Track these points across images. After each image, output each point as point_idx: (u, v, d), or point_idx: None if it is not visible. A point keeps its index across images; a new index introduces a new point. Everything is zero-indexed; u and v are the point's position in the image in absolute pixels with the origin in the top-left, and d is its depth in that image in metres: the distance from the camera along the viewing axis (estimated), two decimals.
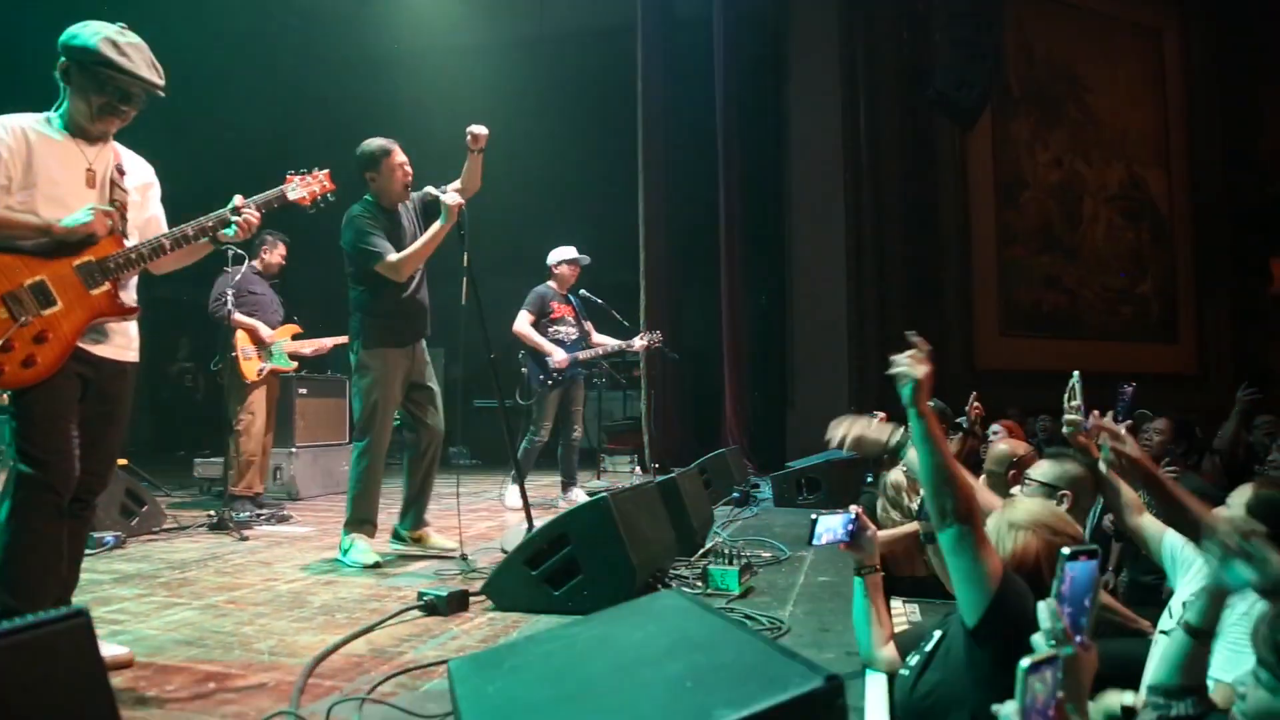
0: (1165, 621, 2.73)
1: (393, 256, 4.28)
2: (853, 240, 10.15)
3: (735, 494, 6.59)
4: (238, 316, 5.90)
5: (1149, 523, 3.01)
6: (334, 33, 11.04)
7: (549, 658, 1.70)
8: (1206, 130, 13.79)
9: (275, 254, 6.39)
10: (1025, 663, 1.24)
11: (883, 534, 3.39)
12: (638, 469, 8.96)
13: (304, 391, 7.23)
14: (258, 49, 10.43)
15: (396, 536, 4.70)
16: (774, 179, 10.45)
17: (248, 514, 5.68)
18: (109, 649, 2.62)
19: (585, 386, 6.77)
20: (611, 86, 10.25)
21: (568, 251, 6.62)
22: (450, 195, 4.24)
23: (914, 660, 2.24)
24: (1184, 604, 2.55)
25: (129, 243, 2.70)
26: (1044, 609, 1.50)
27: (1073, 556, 1.53)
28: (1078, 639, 1.49)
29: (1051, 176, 12.72)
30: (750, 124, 10.18)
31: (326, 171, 3.21)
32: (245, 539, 5.05)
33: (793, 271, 10.36)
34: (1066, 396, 3.71)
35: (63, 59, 2.61)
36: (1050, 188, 12.70)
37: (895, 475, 4.26)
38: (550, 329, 6.43)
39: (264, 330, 6.13)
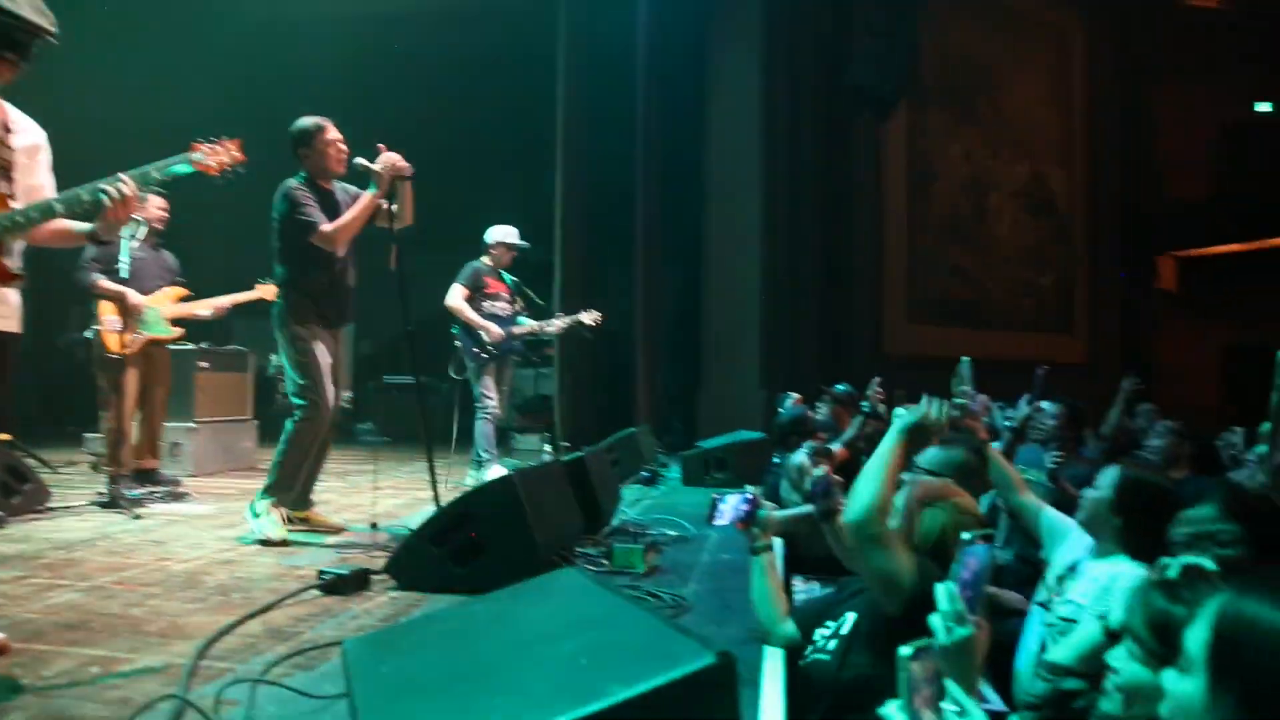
0: (1041, 593, 2.86)
1: (327, 226, 4.20)
2: (768, 225, 10.29)
3: (644, 473, 6.65)
4: (102, 283, 5.44)
5: (1030, 500, 3.15)
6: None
7: (444, 637, 1.69)
8: (1106, 132, 14.38)
9: (151, 209, 5.74)
10: (907, 650, 1.28)
11: (785, 513, 3.49)
12: (548, 447, 8.94)
13: (205, 365, 6.98)
14: (148, 14, 9.93)
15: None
16: (692, 162, 10.49)
17: (141, 491, 5.47)
18: None
19: (511, 365, 6.72)
20: (531, 62, 10.13)
21: (508, 233, 6.58)
22: (382, 160, 4.16)
23: (831, 644, 2.28)
24: (1065, 590, 2.68)
25: (14, 205, 2.54)
26: (943, 592, 1.55)
27: (971, 540, 1.58)
28: (973, 618, 1.54)
29: (961, 170, 13.09)
30: (670, 106, 10.17)
31: (237, 141, 3.07)
32: (139, 518, 4.86)
33: (708, 254, 10.44)
34: (955, 380, 3.86)
35: None
36: (960, 180, 13.08)
37: (799, 457, 4.34)
38: (484, 304, 6.36)
39: (132, 296, 5.53)
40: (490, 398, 6.31)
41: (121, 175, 2.61)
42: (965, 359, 3.52)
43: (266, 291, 5.38)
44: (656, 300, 9.99)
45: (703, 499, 5.92)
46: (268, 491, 4.28)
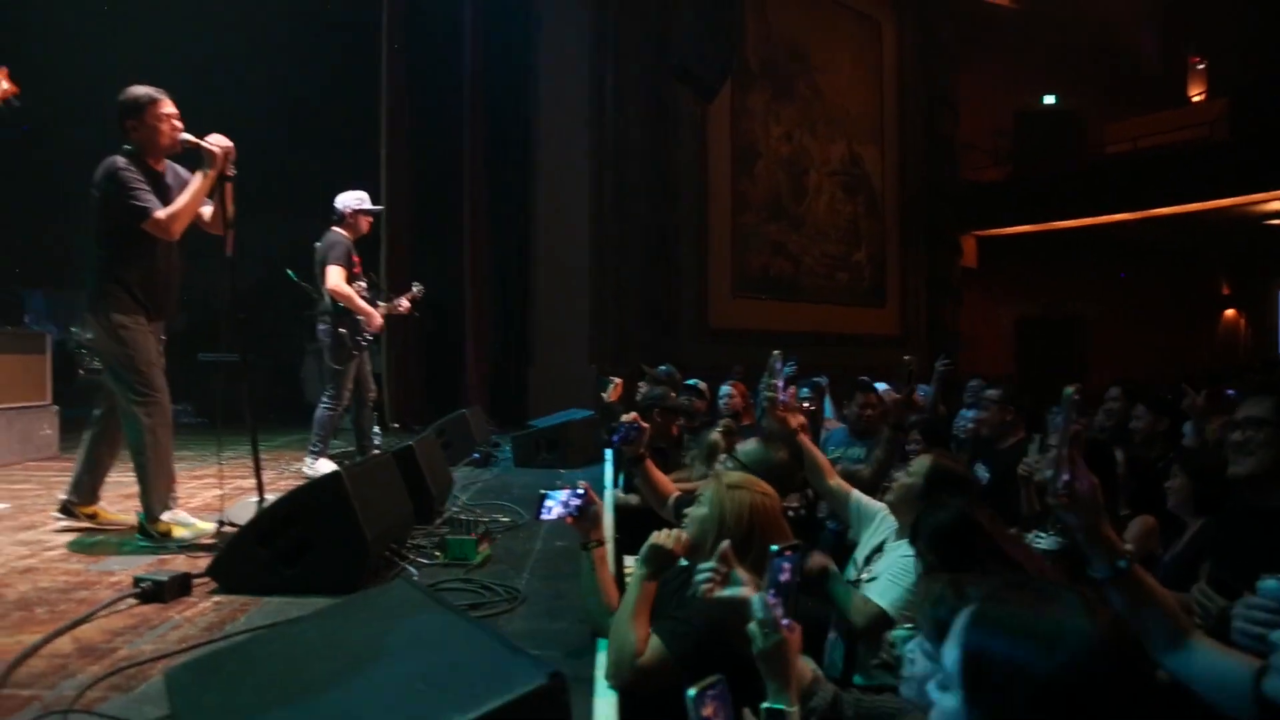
0: (850, 572, 3.11)
1: (161, 213, 3.88)
2: (595, 201, 10.41)
3: (476, 455, 6.64)
4: None
5: (838, 485, 3.40)
6: None
7: (272, 660, 1.69)
8: (912, 116, 15.26)
9: None
10: (692, 692, 1.40)
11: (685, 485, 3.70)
12: (377, 429, 8.75)
13: None
14: None
15: (65, 510, 4.32)
16: (521, 136, 10.43)
17: None
18: None
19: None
20: (356, 28, 9.78)
21: (362, 198, 6.07)
22: (213, 138, 3.91)
23: None
24: (873, 569, 2.93)
25: None
26: (757, 601, 1.69)
27: (780, 552, 1.73)
28: (785, 623, 1.68)
29: (782, 149, 13.59)
30: (498, 78, 10.08)
31: (4, 69, 2.81)
32: None
33: (536, 229, 10.45)
34: (766, 374, 4.08)
35: None
36: (780, 160, 13.57)
37: (713, 436, 4.54)
38: (354, 285, 5.87)
39: None
40: (348, 389, 5.95)
41: None
42: (776, 353, 3.72)
43: None
44: (485, 276, 9.93)
45: (534, 480, 6.02)
46: (150, 511, 4.01)
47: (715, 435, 4.78)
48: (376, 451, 6.11)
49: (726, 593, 2.02)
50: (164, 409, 4.05)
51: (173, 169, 4.17)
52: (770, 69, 13.38)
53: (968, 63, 15.97)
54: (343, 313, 5.84)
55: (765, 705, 1.70)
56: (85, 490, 4.28)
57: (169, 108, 4.05)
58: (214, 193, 4.02)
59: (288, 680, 1.58)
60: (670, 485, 3.72)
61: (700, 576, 2.09)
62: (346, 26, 9.83)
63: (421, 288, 6.65)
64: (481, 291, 9.76)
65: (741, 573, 2.06)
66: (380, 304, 6.21)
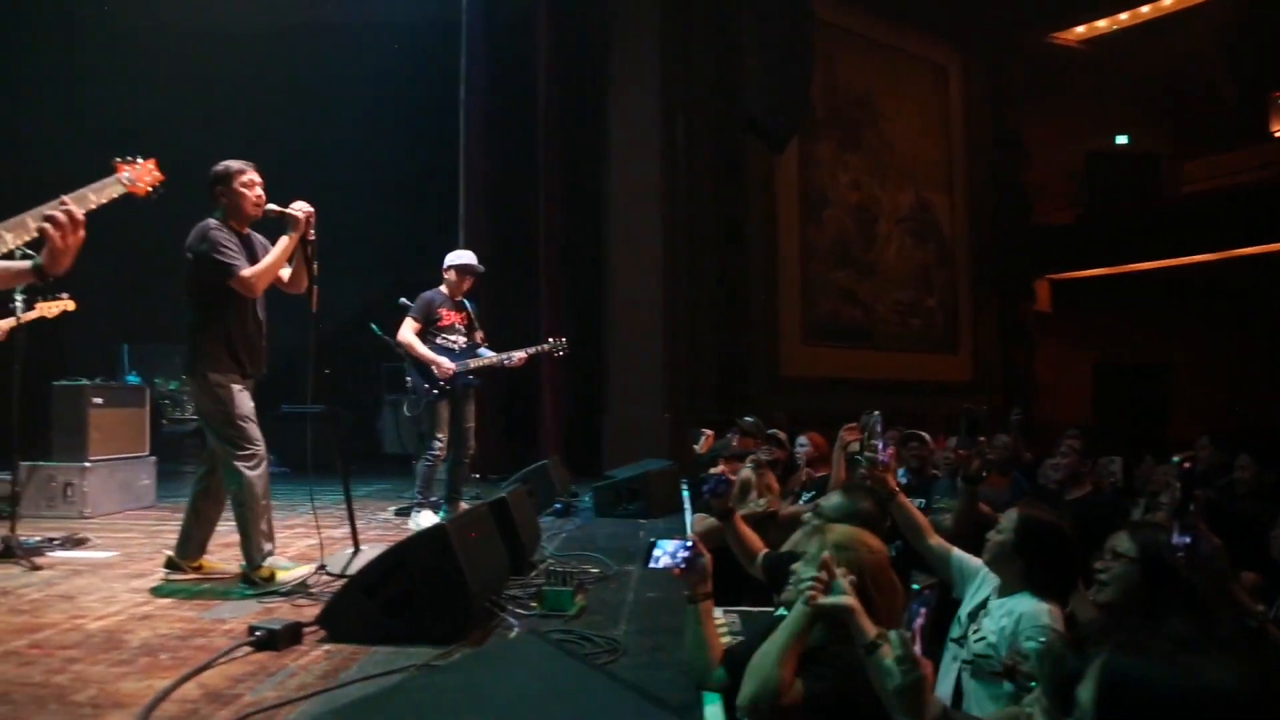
0: (955, 630, 3.09)
1: (247, 270, 4.10)
2: (667, 251, 10.53)
3: (557, 505, 6.72)
4: None
5: (938, 544, 3.37)
6: (125, 11, 10.25)
7: (415, 709, 1.75)
8: (981, 161, 15.22)
9: None
10: None
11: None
12: None
13: (99, 401, 6.74)
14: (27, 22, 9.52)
15: (171, 564, 4.49)
16: (593, 189, 10.64)
17: (38, 539, 5.26)
18: None
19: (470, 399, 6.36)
20: (430, 85, 10.15)
21: (461, 257, 6.37)
22: (296, 205, 4.13)
23: None
24: (980, 627, 2.90)
25: None
26: (895, 638, 1.74)
27: (919, 592, 1.77)
28: (923, 661, 1.73)
29: (850, 197, 13.64)
30: (571, 133, 10.32)
31: (154, 160, 3.01)
32: (38, 568, 4.68)
33: (610, 280, 10.59)
34: (866, 435, 4.09)
35: None
36: (849, 208, 13.62)
37: (744, 473, 4.56)
38: (438, 337, 6.11)
39: None
40: (439, 438, 6.06)
41: (65, 199, 2.48)
42: (875, 413, 3.73)
43: (48, 309, 5.13)
44: (560, 326, 10.07)
45: (618, 530, 6.09)
46: (251, 560, 4.17)
47: (746, 472, 4.79)
48: (464, 505, 6.21)
49: (828, 600, 2.07)
50: (262, 461, 4.23)
51: (258, 238, 4.38)
52: (837, 118, 13.49)
53: (1037, 105, 15.88)
54: (417, 362, 6.08)
55: None
56: (193, 546, 4.46)
57: (253, 176, 4.29)
58: (295, 255, 4.23)
59: None
60: (758, 541, 3.72)
61: (803, 584, 2.13)
62: (424, 86, 10.20)
63: (564, 341, 6.74)
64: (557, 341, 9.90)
65: (844, 582, 2.10)
66: (486, 356, 6.29)
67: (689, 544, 2.72)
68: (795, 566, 2.57)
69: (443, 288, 6.30)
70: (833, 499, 3.48)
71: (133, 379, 8.58)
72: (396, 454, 10.44)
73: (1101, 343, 16.44)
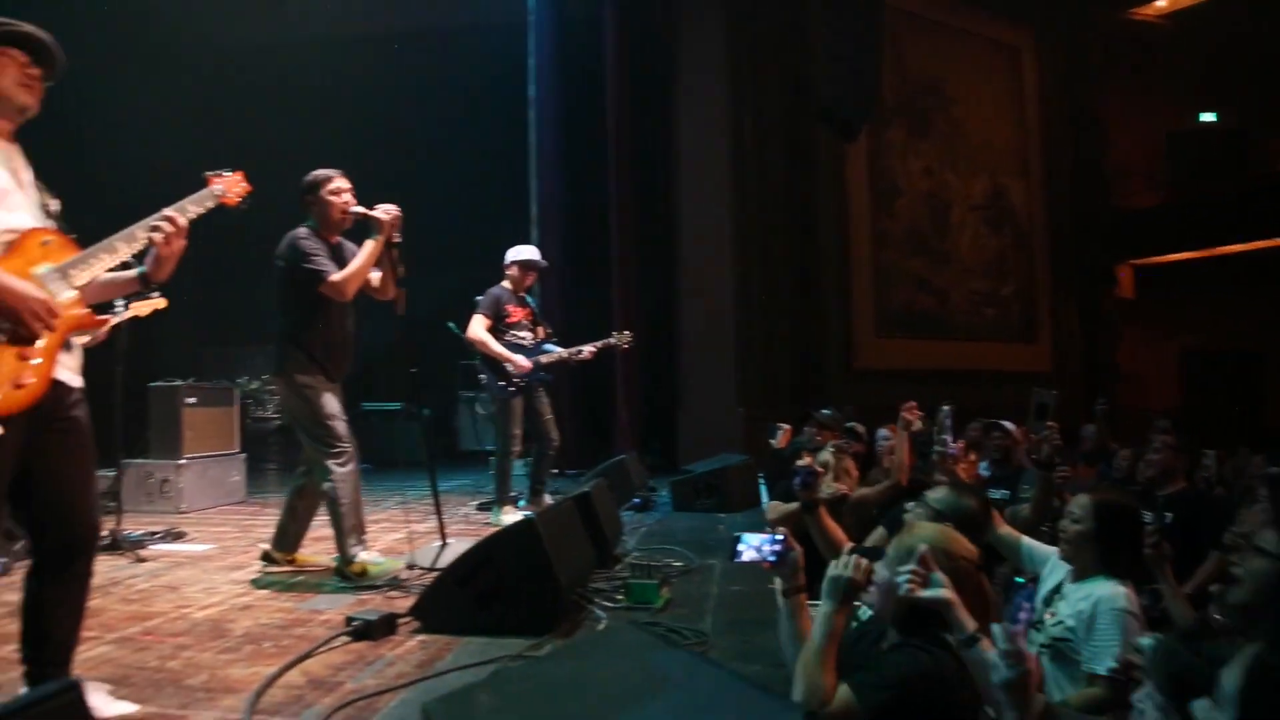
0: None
1: (336, 276, 4.18)
2: (739, 243, 10.50)
3: (635, 500, 6.75)
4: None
5: (1007, 533, 3.32)
6: (201, 25, 10.56)
7: (525, 698, 1.79)
8: (1059, 144, 14.79)
9: None
10: None
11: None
12: None
13: (192, 400, 6.99)
14: (118, 45, 9.86)
15: (267, 558, 4.64)
16: (663, 182, 10.66)
17: (141, 532, 5.48)
18: (114, 706, 2.52)
19: (544, 394, 6.40)
20: (501, 84, 10.27)
21: (523, 252, 6.34)
22: (382, 208, 4.18)
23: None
24: (1057, 611, 2.86)
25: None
26: (1000, 632, 1.73)
27: (1023, 585, 1.76)
28: (1028, 654, 1.71)
29: (922, 185, 13.39)
30: (640, 128, 10.34)
31: (242, 172, 3.11)
32: (142, 560, 4.89)
33: (682, 273, 10.61)
34: (936, 429, 4.07)
35: None
36: (921, 195, 13.37)
37: (823, 455, 4.56)
38: (508, 334, 6.12)
39: None
40: (514, 435, 6.11)
41: (166, 211, 2.59)
42: (946, 408, 3.69)
43: (140, 308, 5.11)
44: (633, 320, 10.10)
45: (697, 525, 6.10)
46: (344, 554, 4.26)
47: (825, 454, 4.80)
48: (546, 498, 6.28)
49: (927, 593, 2.06)
50: (353, 459, 4.32)
51: (349, 246, 4.46)
52: (907, 105, 13.25)
53: (1115, 84, 15.37)
54: (490, 360, 6.09)
55: None
56: (289, 540, 4.61)
57: (341, 183, 4.37)
58: (383, 258, 4.28)
59: (551, 716, 1.68)
60: (843, 535, 3.69)
61: (901, 578, 2.11)
62: (494, 86, 10.33)
63: (629, 335, 6.73)
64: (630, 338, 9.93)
65: (942, 576, 2.08)
66: (555, 351, 6.34)
67: (778, 537, 2.70)
68: (839, 560, 2.50)
69: (506, 284, 6.29)
70: (940, 492, 3.43)
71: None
72: (473, 450, 10.59)
73: (1189, 329, 15.89)
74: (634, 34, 10.24)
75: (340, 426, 4.30)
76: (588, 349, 6.45)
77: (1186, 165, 15.74)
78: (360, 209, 4.30)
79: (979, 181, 14.06)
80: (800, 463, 3.72)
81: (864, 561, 2.35)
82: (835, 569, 2.36)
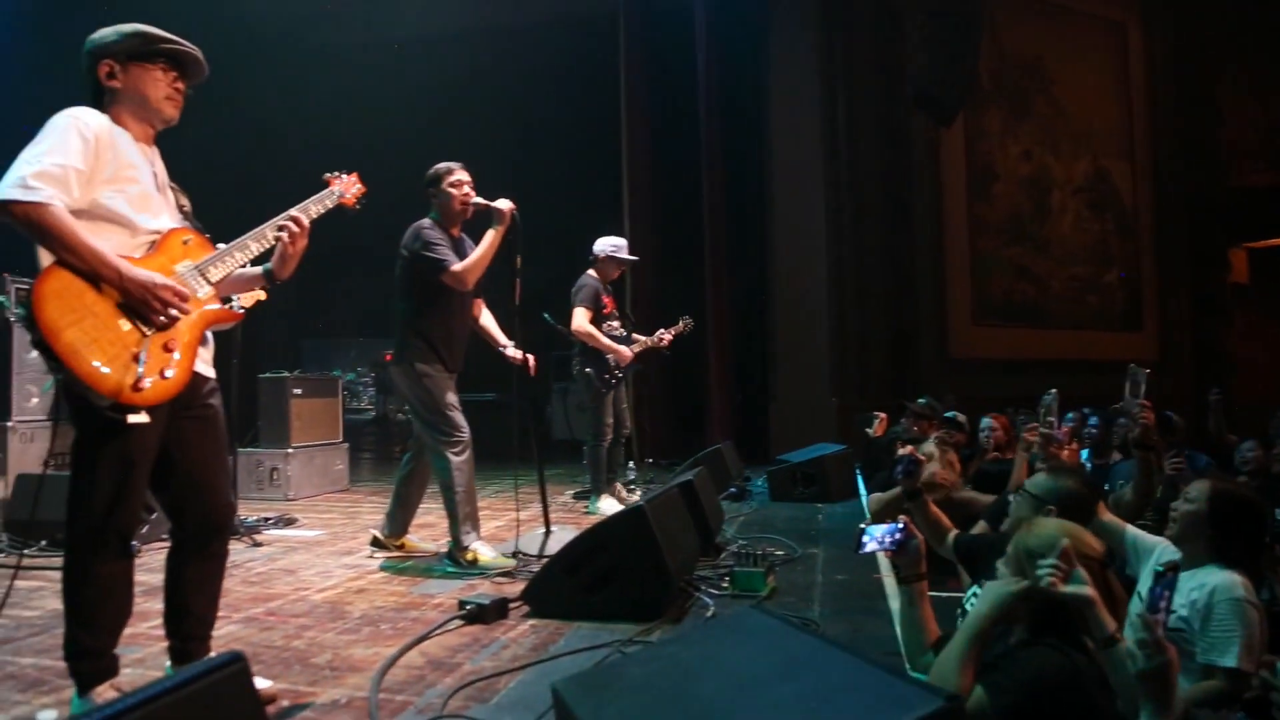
0: (1135, 605, 2.93)
1: (458, 265, 4.26)
2: (833, 232, 10.35)
3: (732, 489, 6.73)
4: None
5: (1111, 520, 3.19)
6: (304, 25, 10.87)
7: (657, 678, 1.80)
8: (1167, 123, 14.16)
9: None
10: None
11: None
12: (631, 464, 9.06)
13: (298, 391, 7.22)
14: (218, 51, 10.19)
15: (376, 543, 4.75)
16: (755, 171, 10.59)
17: (255, 518, 5.70)
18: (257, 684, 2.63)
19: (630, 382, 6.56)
20: (591, 77, 10.34)
21: (616, 243, 6.36)
22: (502, 201, 4.25)
23: None
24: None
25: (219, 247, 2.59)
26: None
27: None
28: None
29: (1021, 169, 12.98)
30: (731, 117, 10.29)
31: (356, 174, 3.20)
32: (259, 544, 5.08)
33: (774, 263, 10.52)
34: (1043, 413, 3.95)
35: (105, 60, 2.43)
36: (1020, 180, 12.97)
37: (926, 446, 4.51)
38: (603, 325, 6.12)
39: None
40: (608, 424, 6.14)
41: (291, 212, 2.69)
42: (1052, 391, 3.59)
43: (246, 299, 5.32)
44: (725, 310, 10.07)
45: (795, 514, 6.05)
46: (457, 540, 4.34)
47: (930, 446, 4.72)
48: (630, 488, 6.31)
49: (1069, 589, 1.99)
50: (468, 446, 4.39)
51: (466, 239, 4.54)
52: (1005, 85, 12.85)
53: (1231, 58, 14.61)
54: (591, 352, 6.09)
55: None
56: (397, 524, 4.72)
57: (461, 175, 4.45)
58: (503, 248, 4.34)
59: (683, 698, 1.68)
60: (948, 521, 3.61)
61: (1043, 571, 2.05)
62: (586, 72, 10.40)
63: (690, 321, 6.76)
64: (723, 327, 9.91)
65: (1083, 573, 2.01)
66: (639, 339, 6.40)
67: (900, 526, 2.67)
68: (1000, 564, 2.44)
69: (594, 274, 6.27)
70: (1039, 478, 3.34)
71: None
72: (565, 440, 10.70)
73: None
74: (724, 23, 10.17)
75: (457, 416, 4.38)
76: (666, 336, 6.55)
77: None
78: (481, 200, 4.37)
79: (1080, 164, 13.56)
80: (902, 451, 3.67)
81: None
82: (1008, 583, 2.26)
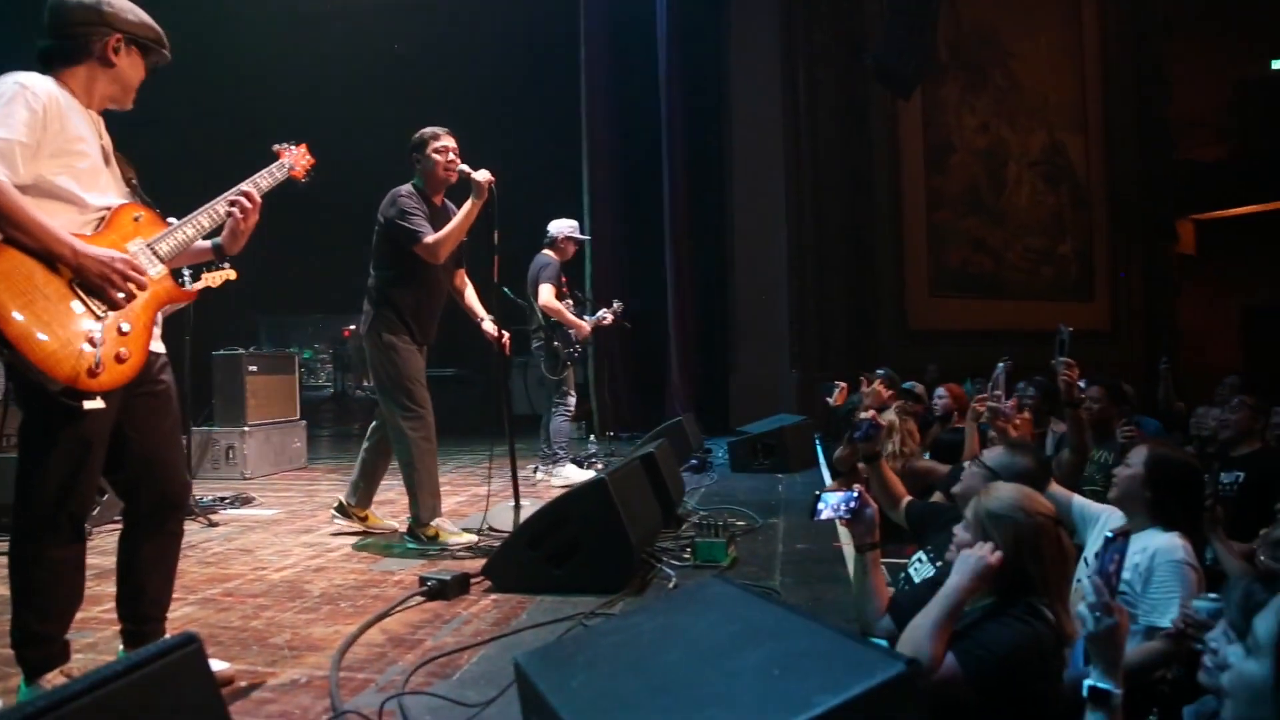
0: (1082, 570, 2.99)
1: (430, 237, 4.15)
2: (792, 204, 10.38)
3: (693, 460, 6.75)
4: None
5: (1057, 491, 3.25)
6: None
7: (620, 649, 1.79)
8: (1120, 97, 14.36)
9: None
10: None
11: None
12: (592, 437, 9.07)
13: (254, 369, 7.10)
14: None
15: (341, 510, 4.70)
16: (715, 145, 10.58)
17: (211, 498, 5.61)
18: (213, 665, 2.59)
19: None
20: (550, 46, 10.21)
21: (574, 227, 6.60)
22: (481, 172, 4.12)
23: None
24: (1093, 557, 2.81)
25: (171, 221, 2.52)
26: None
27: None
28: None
29: (978, 142, 13.10)
30: (692, 87, 10.25)
31: (305, 145, 3.11)
32: (214, 524, 5.00)
33: (735, 237, 10.54)
34: (991, 385, 4.01)
35: (118, 34, 2.36)
36: (976, 152, 13.09)
37: (888, 414, 4.57)
38: (563, 301, 6.38)
39: None
40: (571, 395, 6.44)
41: (242, 186, 2.63)
42: (1001, 365, 3.67)
43: (213, 279, 5.07)
44: (686, 283, 10.07)
45: (756, 484, 6.09)
46: (418, 517, 4.29)
47: (891, 414, 4.81)
48: (591, 461, 6.40)
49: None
50: (428, 424, 4.32)
51: (449, 206, 4.43)
52: (962, 59, 12.93)
53: (1180, 33, 14.81)
54: (555, 326, 6.31)
55: (1090, 683, 1.71)
56: (362, 495, 4.66)
57: (445, 141, 4.33)
58: (481, 220, 4.21)
59: (645, 668, 1.67)
60: (902, 488, 3.65)
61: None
62: (545, 45, 10.28)
63: (621, 305, 6.93)
64: (684, 300, 9.90)
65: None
66: (587, 318, 6.60)
67: (855, 495, 2.70)
68: (956, 530, 2.47)
69: (552, 254, 6.46)
70: (993, 453, 3.38)
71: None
72: (525, 414, 10.65)
73: (1251, 287, 15.44)
74: None
75: (419, 391, 4.30)
76: (609, 315, 6.73)
77: (1256, 116, 15.20)
78: (466, 168, 4.24)
79: (1036, 137, 13.72)
80: (863, 415, 3.69)
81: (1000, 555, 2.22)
82: (983, 555, 2.21)
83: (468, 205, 4.14)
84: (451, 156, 4.31)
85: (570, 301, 6.52)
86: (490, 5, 10.53)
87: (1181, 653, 2.41)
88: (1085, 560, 3.06)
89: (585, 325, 6.38)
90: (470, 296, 4.74)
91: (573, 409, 6.41)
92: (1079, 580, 2.90)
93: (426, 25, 10.52)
